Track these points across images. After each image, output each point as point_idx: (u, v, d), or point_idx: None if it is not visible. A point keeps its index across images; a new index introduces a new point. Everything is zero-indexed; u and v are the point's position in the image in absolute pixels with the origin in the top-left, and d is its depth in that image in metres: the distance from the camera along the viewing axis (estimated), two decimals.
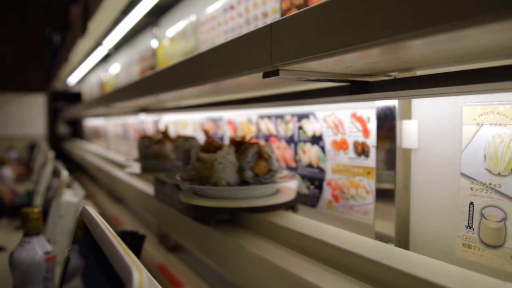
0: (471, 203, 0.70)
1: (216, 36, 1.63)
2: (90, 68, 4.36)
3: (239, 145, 0.98)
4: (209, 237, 0.93)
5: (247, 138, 1.03)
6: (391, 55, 0.55)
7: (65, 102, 5.27)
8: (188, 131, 2.04)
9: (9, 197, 2.06)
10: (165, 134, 1.63)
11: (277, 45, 0.62)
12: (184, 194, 0.99)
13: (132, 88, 1.56)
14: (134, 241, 1.01)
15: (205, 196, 0.95)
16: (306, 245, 0.76)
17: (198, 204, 0.92)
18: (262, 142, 1.27)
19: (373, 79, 0.76)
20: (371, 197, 0.95)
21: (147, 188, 1.43)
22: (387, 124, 0.85)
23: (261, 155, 0.94)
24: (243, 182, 0.94)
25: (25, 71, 5.79)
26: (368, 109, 0.96)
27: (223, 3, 1.55)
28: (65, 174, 1.48)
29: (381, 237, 0.87)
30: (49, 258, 1.01)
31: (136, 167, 1.66)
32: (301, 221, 0.87)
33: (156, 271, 1.62)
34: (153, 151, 1.55)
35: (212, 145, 0.98)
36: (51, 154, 2.27)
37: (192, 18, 1.84)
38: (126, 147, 3.26)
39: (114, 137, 3.69)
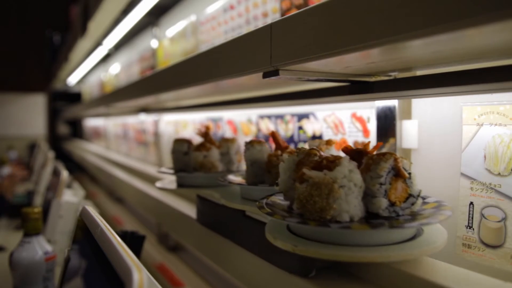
0: (471, 203, 0.70)
1: (216, 36, 1.63)
2: (90, 68, 4.36)
3: (359, 156, 0.66)
4: None
5: (367, 143, 0.70)
6: (391, 55, 0.55)
7: (65, 102, 5.27)
8: (188, 132, 2.04)
9: (11, 189, 2.07)
10: (206, 136, 1.26)
11: (277, 45, 0.62)
12: (273, 231, 0.65)
13: (132, 88, 1.56)
14: (134, 241, 1.01)
15: (308, 237, 0.62)
16: None
17: (322, 257, 0.57)
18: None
19: (373, 79, 0.76)
20: None
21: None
22: (387, 124, 0.85)
23: (399, 173, 0.62)
24: (369, 215, 0.62)
25: (25, 71, 5.80)
26: (368, 109, 0.96)
27: (223, 3, 1.55)
28: (65, 174, 1.48)
29: None
30: (49, 258, 1.01)
31: (170, 181, 1.28)
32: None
33: (156, 271, 1.62)
34: (195, 159, 1.17)
35: (318, 155, 0.65)
36: (51, 154, 2.26)
37: (192, 18, 1.84)
38: (126, 147, 3.26)
39: (114, 137, 3.70)
